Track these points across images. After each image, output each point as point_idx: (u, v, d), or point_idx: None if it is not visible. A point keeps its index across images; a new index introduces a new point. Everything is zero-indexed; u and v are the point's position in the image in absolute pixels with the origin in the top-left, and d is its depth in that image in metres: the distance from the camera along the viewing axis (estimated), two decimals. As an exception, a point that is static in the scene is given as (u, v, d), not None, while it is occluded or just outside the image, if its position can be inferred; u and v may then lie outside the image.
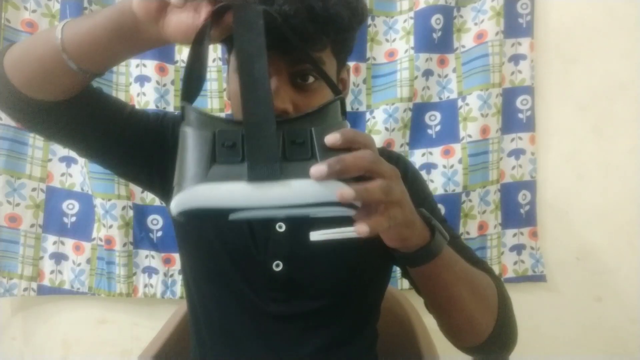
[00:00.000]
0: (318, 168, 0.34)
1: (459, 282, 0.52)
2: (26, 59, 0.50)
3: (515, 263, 1.23)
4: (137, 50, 0.51)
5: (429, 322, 0.94)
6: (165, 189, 0.66)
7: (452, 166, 1.20)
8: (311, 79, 0.54)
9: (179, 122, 0.63)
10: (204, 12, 0.43)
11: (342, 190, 0.34)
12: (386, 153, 0.74)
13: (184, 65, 1.20)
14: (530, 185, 1.23)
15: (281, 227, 0.64)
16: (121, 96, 1.20)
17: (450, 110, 1.20)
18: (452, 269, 0.51)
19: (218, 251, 0.65)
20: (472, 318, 0.54)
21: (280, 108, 0.51)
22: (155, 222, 1.22)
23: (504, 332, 0.56)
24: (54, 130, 0.58)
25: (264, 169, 0.34)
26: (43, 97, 0.52)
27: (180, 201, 0.34)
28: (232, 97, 0.58)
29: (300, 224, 0.63)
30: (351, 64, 1.16)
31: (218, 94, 1.20)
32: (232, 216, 0.35)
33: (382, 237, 0.46)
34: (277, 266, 0.63)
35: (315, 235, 0.62)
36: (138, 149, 0.64)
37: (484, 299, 0.55)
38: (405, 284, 1.21)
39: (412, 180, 0.68)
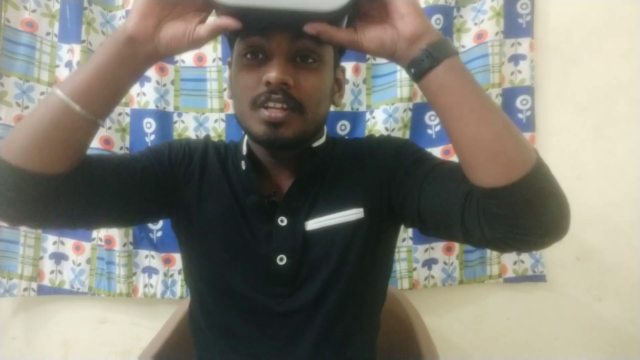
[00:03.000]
0: None
1: (485, 94, 0.48)
2: (30, 130, 0.47)
3: (515, 263, 1.23)
4: (139, 74, 0.52)
5: (429, 322, 0.94)
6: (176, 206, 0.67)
7: (452, 166, 1.19)
8: (310, 60, 0.58)
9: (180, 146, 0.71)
10: (194, 19, 0.49)
11: None
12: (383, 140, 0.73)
13: (184, 65, 1.20)
14: (530, 185, 1.22)
15: (283, 221, 0.64)
16: (121, 96, 1.20)
17: (450, 110, 1.20)
18: (473, 76, 0.49)
19: (218, 251, 0.65)
20: (511, 132, 0.47)
21: (281, 79, 0.54)
22: (155, 223, 1.22)
23: (546, 171, 0.49)
24: (65, 209, 0.52)
25: None
26: (47, 167, 0.47)
27: None
28: (236, 81, 0.60)
29: (299, 218, 0.64)
30: (351, 64, 1.16)
31: (218, 94, 1.20)
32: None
33: (401, 23, 0.47)
34: (281, 260, 0.63)
35: (311, 224, 0.64)
36: (152, 198, 0.64)
37: (514, 127, 0.48)
38: (405, 283, 1.21)
39: (402, 147, 0.68)
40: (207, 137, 0.75)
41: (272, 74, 0.54)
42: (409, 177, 0.62)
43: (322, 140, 0.68)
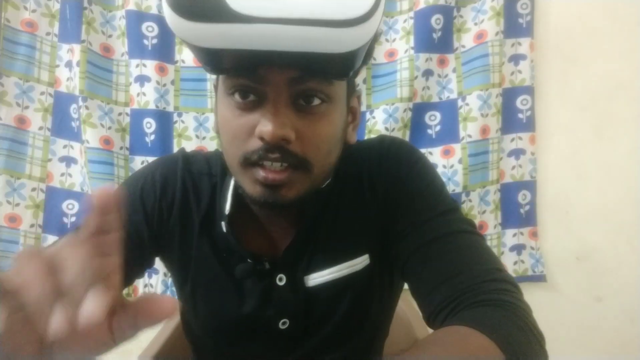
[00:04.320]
0: None
1: None
2: None
3: (515, 263, 1.23)
4: None
5: (429, 322, 0.94)
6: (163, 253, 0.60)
7: (452, 166, 1.20)
8: (317, 101, 0.44)
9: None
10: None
11: None
12: (387, 141, 0.61)
13: (184, 65, 1.20)
14: (530, 185, 1.23)
15: (281, 280, 0.55)
16: (121, 96, 1.20)
17: (450, 110, 1.20)
18: None
19: (211, 317, 0.59)
20: None
21: (279, 135, 0.42)
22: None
23: None
24: None
25: None
26: None
27: None
28: (222, 126, 0.48)
29: (298, 273, 0.56)
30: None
31: (218, 94, 1.20)
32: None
33: None
34: (284, 324, 0.56)
35: (312, 280, 0.56)
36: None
37: None
38: (405, 284, 1.21)
39: (406, 176, 0.56)
40: (185, 166, 0.58)
41: (268, 127, 0.41)
42: (399, 243, 0.53)
43: (326, 181, 0.54)
